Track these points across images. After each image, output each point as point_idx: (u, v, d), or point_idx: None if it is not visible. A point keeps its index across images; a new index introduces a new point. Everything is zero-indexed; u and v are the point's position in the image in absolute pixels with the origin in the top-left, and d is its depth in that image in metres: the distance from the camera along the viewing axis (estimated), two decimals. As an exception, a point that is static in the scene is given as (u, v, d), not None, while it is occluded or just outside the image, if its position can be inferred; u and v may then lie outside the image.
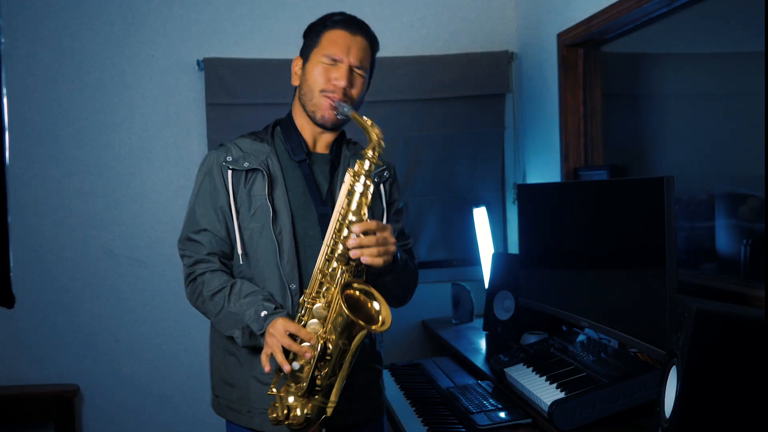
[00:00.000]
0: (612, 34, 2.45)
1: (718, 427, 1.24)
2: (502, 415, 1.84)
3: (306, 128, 1.73)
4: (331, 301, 1.49)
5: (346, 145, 1.78)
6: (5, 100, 0.56)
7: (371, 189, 1.55)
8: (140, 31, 2.94)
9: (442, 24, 3.13)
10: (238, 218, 1.66)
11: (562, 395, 1.69)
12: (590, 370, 1.77)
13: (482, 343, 2.55)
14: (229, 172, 1.66)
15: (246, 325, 1.56)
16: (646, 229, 1.67)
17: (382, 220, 1.73)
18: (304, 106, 1.70)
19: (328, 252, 1.53)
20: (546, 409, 1.67)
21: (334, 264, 1.52)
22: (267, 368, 1.47)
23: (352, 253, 1.49)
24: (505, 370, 1.98)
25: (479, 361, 2.31)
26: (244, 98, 2.93)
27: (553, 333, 2.25)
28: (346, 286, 1.50)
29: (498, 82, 3.09)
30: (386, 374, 2.47)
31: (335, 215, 1.54)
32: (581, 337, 2.04)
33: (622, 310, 1.80)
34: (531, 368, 1.92)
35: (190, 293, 1.69)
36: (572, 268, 2.07)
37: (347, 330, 1.46)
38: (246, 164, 1.66)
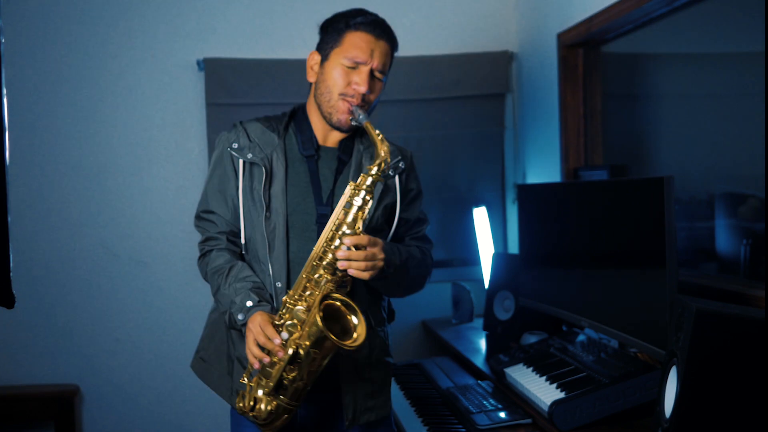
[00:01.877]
0: (612, 34, 2.45)
1: (718, 427, 1.24)
2: (502, 415, 1.84)
3: (318, 125, 1.73)
4: (311, 307, 1.51)
5: (359, 138, 1.75)
6: (5, 100, 0.56)
7: (370, 204, 1.56)
8: (140, 31, 2.94)
9: (442, 24, 3.12)
10: (243, 203, 1.68)
11: (562, 395, 1.69)
12: (590, 370, 1.77)
13: (482, 343, 2.55)
14: (240, 160, 1.68)
15: (232, 312, 1.59)
16: (646, 229, 1.67)
17: (393, 213, 1.73)
18: (319, 106, 1.70)
19: (317, 259, 1.54)
20: (546, 409, 1.67)
21: (321, 271, 1.54)
22: (256, 365, 1.51)
23: (340, 264, 1.51)
24: (505, 370, 1.99)
25: (479, 361, 2.31)
26: (244, 98, 2.93)
27: (553, 333, 2.25)
28: (326, 297, 1.53)
29: (498, 82, 3.09)
30: (386, 374, 2.47)
31: (329, 224, 1.55)
32: (581, 337, 2.05)
33: (622, 310, 1.80)
34: (531, 368, 1.92)
35: (200, 268, 1.75)
36: (572, 268, 2.07)
37: (320, 341, 1.48)
38: (249, 155, 1.66)
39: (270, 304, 1.61)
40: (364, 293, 1.68)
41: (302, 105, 1.77)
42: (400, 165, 1.75)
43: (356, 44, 1.64)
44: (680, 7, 2.08)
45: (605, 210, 1.89)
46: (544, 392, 1.75)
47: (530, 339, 2.29)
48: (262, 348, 1.50)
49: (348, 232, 1.53)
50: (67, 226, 2.91)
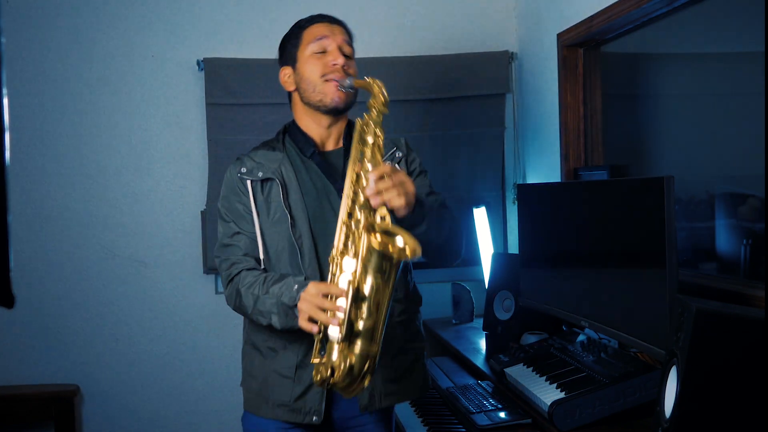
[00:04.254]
0: (612, 34, 2.45)
1: (718, 426, 1.24)
2: (502, 415, 1.84)
3: (312, 128, 1.77)
4: (358, 249, 1.47)
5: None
6: (5, 100, 0.56)
7: (382, 138, 1.56)
8: (140, 31, 2.94)
9: (443, 24, 3.12)
10: (260, 223, 1.71)
11: (562, 395, 1.69)
12: (590, 370, 1.77)
13: (482, 343, 2.55)
14: (248, 182, 1.71)
15: (281, 302, 1.56)
16: (646, 229, 1.67)
17: None
18: (308, 103, 1.74)
19: (350, 203, 1.52)
20: (546, 409, 1.67)
21: (356, 215, 1.51)
22: (314, 329, 1.47)
23: (373, 202, 1.47)
24: (505, 370, 1.98)
25: (479, 361, 2.31)
26: (244, 98, 2.93)
27: (553, 333, 2.25)
28: (370, 227, 1.46)
29: (498, 82, 3.09)
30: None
31: (350, 166, 1.54)
32: (581, 337, 2.04)
33: (622, 310, 1.79)
34: (531, 368, 1.92)
35: (229, 294, 1.71)
36: (572, 268, 2.07)
37: (378, 265, 1.43)
38: (260, 174, 1.71)
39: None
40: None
41: (291, 121, 1.82)
42: (397, 155, 1.78)
43: (315, 32, 1.74)
44: (680, 7, 2.08)
45: (605, 210, 1.89)
46: (544, 392, 1.75)
47: (530, 339, 2.29)
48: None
49: (370, 167, 1.52)
50: (67, 226, 2.91)
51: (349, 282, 1.45)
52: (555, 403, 1.65)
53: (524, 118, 3.09)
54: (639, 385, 1.65)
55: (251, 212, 1.71)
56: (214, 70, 2.91)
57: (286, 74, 1.79)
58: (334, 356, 1.47)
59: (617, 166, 2.37)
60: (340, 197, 1.62)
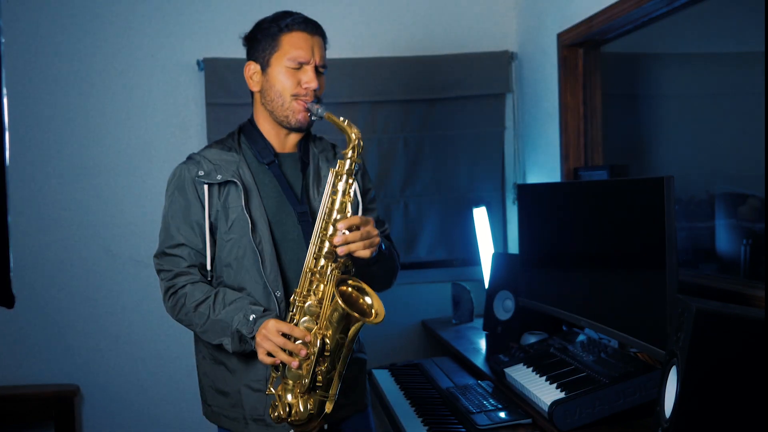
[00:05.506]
0: (612, 34, 2.45)
1: (718, 427, 1.24)
2: (502, 415, 1.84)
3: (271, 132, 1.74)
4: (323, 298, 1.53)
5: (312, 143, 1.79)
6: (5, 100, 0.56)
7: (354, 187, 1.59)
8: (140, 31, 2.94)
9: (443, 24, 3.13)
10: (215, 231, 1.67)
11: (562, 395, 1.69)
12: (590, 370, 1.76)
13: (482, 343, 2.55)
14: (205, 186, 1.66)
15: (236, 330, 1.57)
16: (646, 229, 1.67)
17: (359, 213, 1.75)
18: (272, 112, 1.71)
19: (316, 251, 1.55)
20: (546, 409, 1.67)
21: (322, 262, 1.55)
22: (276, 362, 1.51)
23: (339, 250, 1.52)
24: (505, 370, 1.98)
25: (479, 361, 2.31)
26: (244, 98, 2.88)
27: (553, 333, 2.25)
28: (340, 282, 1.54)
29: (498, 82, 3.09)
30: (386, 374, 2.47)
31: (320, 215, 1.56)
32: (581, 337, 2.04)
33: (622, 310, 1.80)
34: (531, 368, 1.92)
35: (171, 306, 1.68)
36: (572, 268, 2.07)
37: (343, 324, 1.49)
38: (219, 177, 1.66)
39: (273, 311, 1.61)
40: None
41: (249, 119, 1.79)
42: (355, 167, 1.72)
43: (296, 44, 1.67)
44: (680, 7, 2.08)
45: (605, 210, 1.89)
46: (544, 392, 1.75)
47: (530, 339, 2.29)
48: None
49: (338, 217, 1.55)
50: (67, 226, 2.91)
51: (314, 333, 1.49)
52: (555, 403, 1.65)
53: (524, 118, 3.09)
54: (639, 385, 1.64)
55: (203, 222, 1.65)
56: (214, 70, 2.91)
57: (252, 71, 1.74)
58: (289, 396, 1.52)
59: (617, 166, 2.37)
60: (297, 210, 1.67)
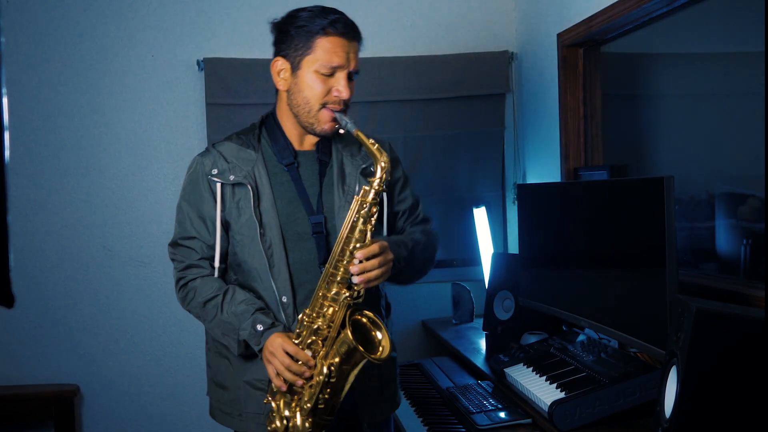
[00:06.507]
0: (612, 34, 2.45)
1: (718, 427, 1.24)
2: (502, 415, 1.84)
3: (292, 131, 1.69)
4: (332, 322, 1.52)
5: (336, 137, 1.71)
6: (5, 100, 0.56)
7: (375, 216, 1.53)
8: (140, 31, 2.94)
9: (443, 24, 3.12)
10: (228, 228, 1.66)
11: (562, 395, 1.69)
12: (590, 370, 1.76)
13: (482, 343, 2.55)
14: (218, 185, 1.64)
15: (243, 340, 1.58)
16: (646, 229, 1.67)
17: (384, 218, 1.72)
18: (297, 116, 1.64)
19: (329, 276, 1.53)
20: (546, 409, 1.67)
21: (335, 288, 1.52)
22: (284, 388, 1.52)
23: (356, 280, 1.49)
24: (505, 370, 1.98)
25: (479, 361, 2.31)
26: (244, 98, 2.92)
27: (553, 333, 2.25)
28: (354, 312, 1.53)
29: (498, 82, 3.09)
30: (386, 374, 2.47)
31: (338, 242, 1.53)
32: (581, 337, 2.04)
33: (622, 310, 1.79)
34: (531, 368, 1.92)
35: (181, 298, 1.71)
36: (572, 268, 2.07)
37: (350, 356, 1.49)
38: (231, 177, 1.63)
39: (281, 323, 1.60)
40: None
41: (271, 112, 1.72)
42: (371, 169, 1.67)
43: (332, 50, 1.58)
44: (680, 7, 2.08)
45: (605, 210, 1.89)
46: (544, 392, 1.75)
47: (530, 339, 2.29)
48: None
49: (358, 246, 1.51)
50: (67, 226, 2.91)
51: (320, 361, 1.50)
52: (555, 403, 1.65)
53: (524, 118, 3.09)
54: (639, 385, 1.64)
55: (214, 217, 1.64)
56: (214, 70, 2.91)
57: (280, 67, 1.63)
58: (287, 411, 1.54)
59: (617, 166, 2.37)
60: (312, 220, 1.64)
